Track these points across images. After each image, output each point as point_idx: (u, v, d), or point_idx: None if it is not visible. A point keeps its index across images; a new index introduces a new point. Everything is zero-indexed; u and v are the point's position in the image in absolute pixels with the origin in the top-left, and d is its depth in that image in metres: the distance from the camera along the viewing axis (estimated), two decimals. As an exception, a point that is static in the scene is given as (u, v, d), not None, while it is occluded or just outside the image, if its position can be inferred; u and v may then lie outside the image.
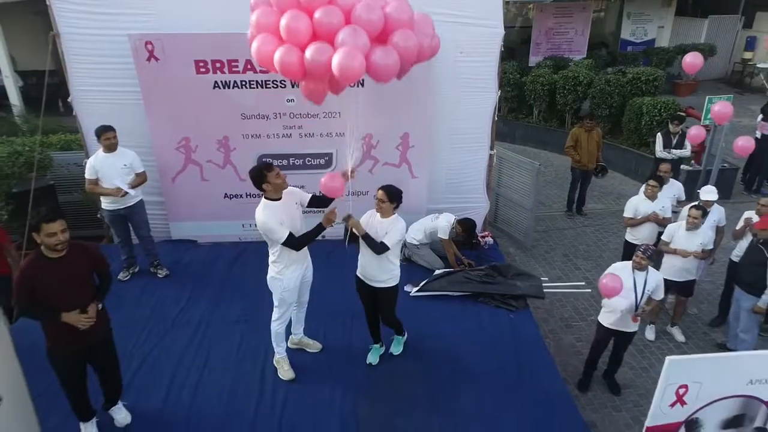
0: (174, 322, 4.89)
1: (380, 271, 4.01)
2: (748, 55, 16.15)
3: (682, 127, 7.51)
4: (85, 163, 5.88)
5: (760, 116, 8.80)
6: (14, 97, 11.61)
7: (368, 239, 3.88)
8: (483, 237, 6.23)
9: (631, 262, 4.43)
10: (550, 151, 10.87)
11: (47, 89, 12.67)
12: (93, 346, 3.43)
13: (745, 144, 5.87)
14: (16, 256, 5.22)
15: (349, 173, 3.87)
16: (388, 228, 3.90)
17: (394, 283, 4.12)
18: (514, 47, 17.35)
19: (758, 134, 8.84)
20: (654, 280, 4.41)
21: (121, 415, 3.79)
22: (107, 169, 4.95)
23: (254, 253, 5.51)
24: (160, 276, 5.52)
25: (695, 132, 6.70)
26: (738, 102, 13.66)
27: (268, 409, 3.99)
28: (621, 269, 4.43)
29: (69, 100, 5.65)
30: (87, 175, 4.99)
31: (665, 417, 3.09)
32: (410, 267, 5.61)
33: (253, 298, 4.99)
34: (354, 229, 3.89)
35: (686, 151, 7.46)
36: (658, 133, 7.63)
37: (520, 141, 11.35)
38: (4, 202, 6.06)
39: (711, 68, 16.37)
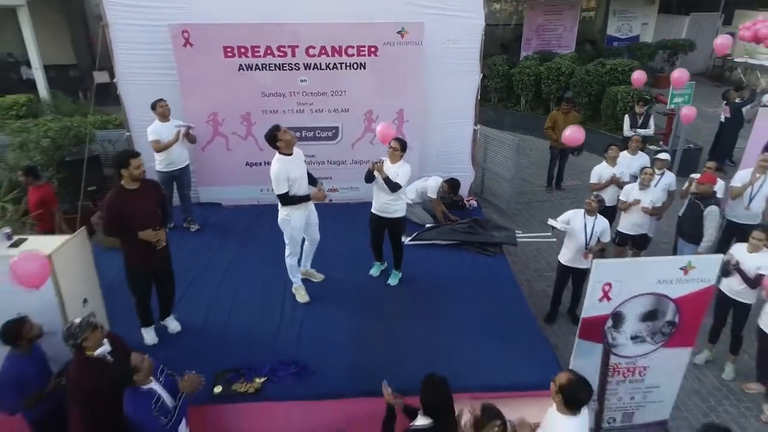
0: (208, 263, 5.85)
1: (392, 206, 5.04)
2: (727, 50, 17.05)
3: (647, 108, 8.50)
4: (127, 137, 6.90)
5: (724, 102, 9.77)
6: (42, 88, 12.57)
7: (388, 180, 4.85)
8: (468, 200, 7.20)
9: (583, 209, 5.39)
10: (536, 137, 11.81)
11: (69, 82, 13.46)
12: (158, 264, 4.41)
13: (688, 112, 6.85)
14: (60, 218, 6.22)
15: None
16: (398, 171, 4.89)
17: (402, 215, 5.16)
18: (508, 44, 18.34)
19: (722, 118, 9.83)
20: (601, 224, 5.37)
21: (173, 324, 4.76)
22: (165, 134, 5.95)
23: (271, 214, 6.40)
24: (192, 230, 6.49)
25: (637, 76, 7.91)
26: (716, 94, 14.64)
27: (288, 324, 4.95)
28: (574, 215, 5.41)
29: (114, 80, 6.62)
30: (151, 138, 5.94)
31: (596, 309, 4.05)
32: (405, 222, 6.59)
33: (272, 248, 5.89)
34: (379, 172, 4.85)
35: (650, 131, 8.44)
36: (626, 115, 8.62)
37: (509, 128, 12.26)
38: (56, 170, 7.03)
39: (693, 63, 17.31)
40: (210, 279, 5.58)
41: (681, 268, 3.99)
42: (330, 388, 4.15)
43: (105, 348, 3.44)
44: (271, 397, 4.11)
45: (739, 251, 5.00)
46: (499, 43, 18.23)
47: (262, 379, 4.21)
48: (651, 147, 9.29)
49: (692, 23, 17.19)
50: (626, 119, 8.55)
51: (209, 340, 4.70)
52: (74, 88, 14.23)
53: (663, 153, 6.62)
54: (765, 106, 9.50)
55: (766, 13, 15.17)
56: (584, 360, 4.24)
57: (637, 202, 6.03)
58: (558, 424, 3.07)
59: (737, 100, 9.51)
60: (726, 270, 5.04)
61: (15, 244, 3.98)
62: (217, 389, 4.12)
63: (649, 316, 4.16)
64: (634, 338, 4.25)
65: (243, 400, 4.08)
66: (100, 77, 15.06)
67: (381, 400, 3.44)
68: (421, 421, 3.04)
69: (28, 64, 14.64)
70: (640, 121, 8.42)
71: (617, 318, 4.13)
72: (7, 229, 4.05)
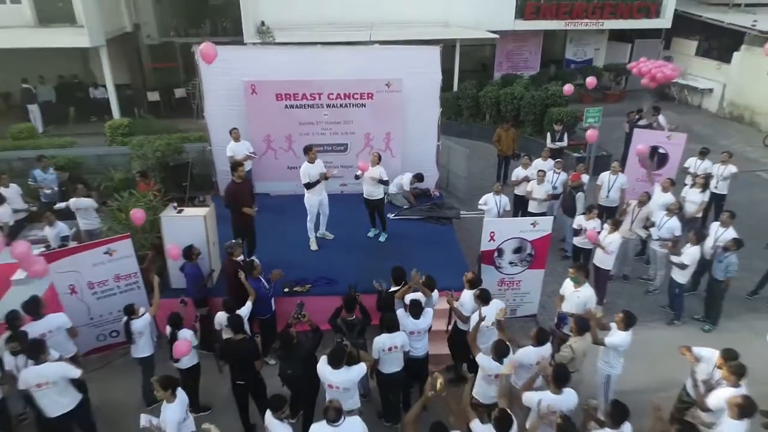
0: (268, 228, 9.39)
1: (374, 192, 8.62)
2: (665, 71, 20.58)
3: (562, 127, 12.07)
4: (209, 150, 10.45)
5: (626, 120, 13.32)
6: (115, 109, 16.16)
7: (380, 180, 8.41)
8: (433, 192, 10.78)
9: (493, 192, 8.97)
10: (496, 145, 15.36)
11: (124, 99, 16.74)
12: (248, 224, 8.01)
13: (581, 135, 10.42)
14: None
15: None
16: (378, 171, 8.43)
17: (381, 197, 8.72)
18: (487, 62, 21.78)
19: (627, 129, 13.36)
20: (504, 200, 8.97)
21: (257, 260, 8.33)
22: (237, 151, 9.50)
23: (301, 200, 10.01)
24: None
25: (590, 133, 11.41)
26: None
27: (322, 259, 8.55)
28: (489, 197, 8.99)
29: (204, 114, 10.17)
30: (228, 154, 9.50)
31: (488, 246, 7.61)
32: (390, 206, 10.15)
33: (302, 221, 9.47)
34: (367, 175, 8.41)
35: (563, 143, 12.03)
36: (548, 132, 12.19)
37: (476, 138, 15.79)
38: (159, 172, 10.58)
39: (639, 81, 20.82)
40: (271, 237, 9.14)
41: (531, 224, 7.57)
42: (345, 289, 7.69)
43: (241, 257, 7.04)
44: (315, 294, 7.70)
45: (581, 220, 8.57)
46: (480, 63, 21.68)
47: (309, 285, 7.80)
48: (574, 154, 12.89)
49: (637, 48, 20.69)
50: (548, 135, 12.13)
51: (278, 267, 8.26)
52: (130, 104, 17.74)
53: (559, 160, 10.19)
54: (659, 126, 13.06)
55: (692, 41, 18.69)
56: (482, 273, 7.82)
57: (526, 179, 9.65)
58: (465, 293, 6.61)
59: (635, 119, 13.05)
60: (578, 231, 8.62)
61: (179, 212, 7.56)
62: (286, 289, 7.71)
63: (518, 250, 7.72)
64: (510, 263, 7.80)
65: (300, 295, 7.65)
66: (153, 96, 18.66)
67: (374, 296, 6.97)
68: (393, 288, 6.61)
69: (95, 86, 18.23)
70: (557, 136, 12.00)
71: (500, 251, 7.69)
72: (175, 203, 7.64)
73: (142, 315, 6.45)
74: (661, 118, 12.82)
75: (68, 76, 18.74)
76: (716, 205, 10.56)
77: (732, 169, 10.13)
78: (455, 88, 16.90)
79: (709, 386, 5.45)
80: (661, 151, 11.46)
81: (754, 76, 17.01)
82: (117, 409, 6.70)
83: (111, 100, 16.04)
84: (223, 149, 9.87)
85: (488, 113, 15.82)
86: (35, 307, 6.02)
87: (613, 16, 18.66)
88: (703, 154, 10.51)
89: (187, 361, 6.21)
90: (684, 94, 19.67)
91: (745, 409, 4.64)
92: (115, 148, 11.90)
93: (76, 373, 5.36)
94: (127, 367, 7.07)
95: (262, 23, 16.91)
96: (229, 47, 9.76)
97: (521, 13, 18.29)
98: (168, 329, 6.20)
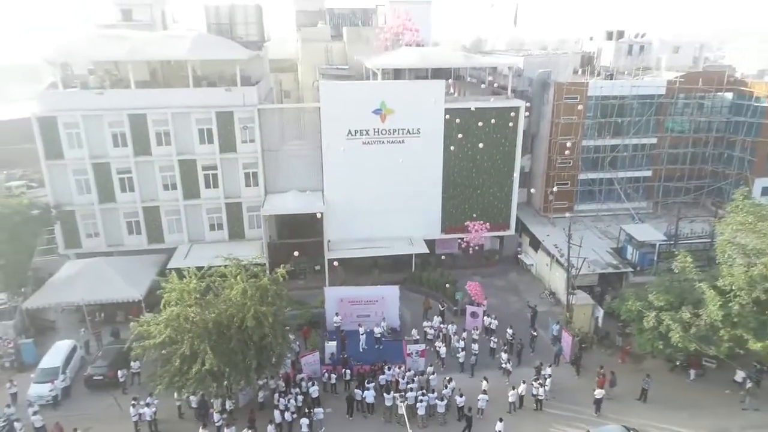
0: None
1: (377, 334, 30.45)
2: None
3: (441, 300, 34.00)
4: (324, 316, 32.60)
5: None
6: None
7: (382, 335, 30.26)
8: (396, 327, 32.52)
9: (416, 330, 30.72)
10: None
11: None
12: (345, 345, 29.78)
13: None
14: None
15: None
16: (379, 331, 30.27)
17: (381, 336, 30.53)
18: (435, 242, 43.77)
19: (475, 298, 35.17)
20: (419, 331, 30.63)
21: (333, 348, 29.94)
22: (338, 320, 31.37)
23: (357, 333, 31.41)
24: (339, 336, 31.73)
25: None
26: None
27: (362, 354, 30.24)
28: (414, 331, 30.67)
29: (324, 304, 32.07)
30: (334, 320, 31.30)
31: (407, 353, 29.14)
32: (382, 336, 31.70)
33: (358, 342, 31.05)
34: (376, 331, 30.29)
35: (444, 307, 33.83)
36: (439, 302, 34.01)
37: (422, 294, 37.35)
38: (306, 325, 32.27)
39: (509, 249, 42.70)
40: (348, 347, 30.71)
41: (418, 346, 29.15)
42: (371, 363, 29.10)
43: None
44: (362, 363, 29.22)
45: (438, 345, 30.13)
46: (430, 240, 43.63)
47: (360, 362, 29.36)
48: (456, 308, 34.59)
49: (506, 239, 42.70)
50: (439, 304, 33.94)
51: (351, 358, 29.74)
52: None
53: (439, 318, 32.07)
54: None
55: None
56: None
57: (429, 326, 31.58)
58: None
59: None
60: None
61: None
62: (353, 362, 29.25)
63: (416, 352, 29.24)
64: (414, 357, 29.26)
65: (357, 365, 29.13)
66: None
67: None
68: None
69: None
70: (441, 302, 33.81)
71: (410, 353, 29.22)
72: (326, 340, 29.44)
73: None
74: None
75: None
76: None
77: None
78: (413, 269, 38.86)
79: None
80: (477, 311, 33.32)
81: (544, 264, 39.04)
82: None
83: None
84: (331, 315, 31.61)
85: (426, 284, 37.73)
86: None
87: (487, 230, 40.87)
88: (488, 315, 32.27)
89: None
90: (524, 264, 41.60)
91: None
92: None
93: None
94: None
95: (328, 241, 39.05)
96: (333, 288, 31.95)
97: (444, 230, 40.57)
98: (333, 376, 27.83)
